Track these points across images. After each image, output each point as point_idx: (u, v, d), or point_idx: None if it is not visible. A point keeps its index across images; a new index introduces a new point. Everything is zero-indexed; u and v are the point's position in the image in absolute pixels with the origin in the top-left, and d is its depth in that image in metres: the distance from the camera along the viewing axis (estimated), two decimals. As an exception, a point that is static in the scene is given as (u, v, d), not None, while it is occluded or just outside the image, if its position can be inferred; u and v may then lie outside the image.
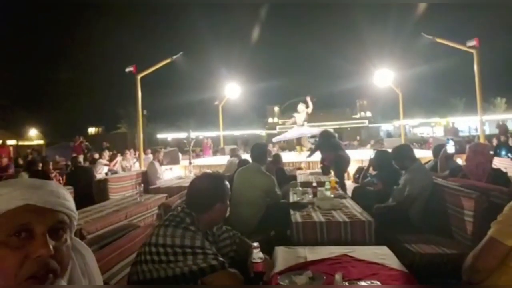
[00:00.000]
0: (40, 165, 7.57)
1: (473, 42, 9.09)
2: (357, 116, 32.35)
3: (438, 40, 9.84)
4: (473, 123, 26.84)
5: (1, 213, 0.76)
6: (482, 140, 9.24)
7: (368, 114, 32.75)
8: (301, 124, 11.61)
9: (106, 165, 9.96)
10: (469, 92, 10.64)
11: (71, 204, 0.86)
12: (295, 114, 11.83)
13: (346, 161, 6.31)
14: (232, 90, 15.42)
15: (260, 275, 1.73)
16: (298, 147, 11.79)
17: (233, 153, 8.20)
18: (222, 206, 1.83)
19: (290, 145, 23.09)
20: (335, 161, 6.11)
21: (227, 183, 1.92)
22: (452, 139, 5.73)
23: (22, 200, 0.77)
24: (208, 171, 7.70)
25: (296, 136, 11.87)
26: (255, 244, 1.77)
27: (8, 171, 9.60)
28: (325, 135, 6.94)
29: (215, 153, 16.15)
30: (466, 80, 10.94)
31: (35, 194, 0.79)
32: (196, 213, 1.74)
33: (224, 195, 1.85)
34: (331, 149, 6.42)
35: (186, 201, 1.86)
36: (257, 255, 1.74)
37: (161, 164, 7.60)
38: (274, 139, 14.09)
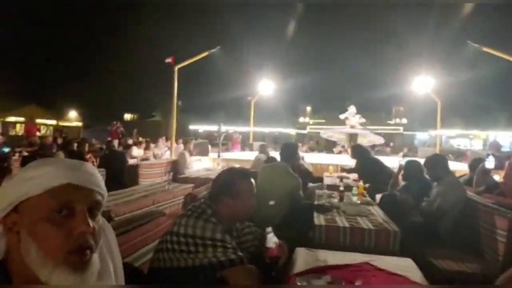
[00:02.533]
0: (75, 145, 7.88)
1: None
2: (392, 122, 31.55)
3: (486, 49, 9.40)
4: (516, 139, 25.50)
5: (45, 190, 0.78)
6: (523, 158, 8.76)
7: (404, 121, 31.88)
8: (353, 126, 11.46)
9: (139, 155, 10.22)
10: (514, 106, 10.11)
11: (104, 185, 0.90)
12: (348, 115, 11.64)
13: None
14: (266, 86, 15.40)
15: (275, 260, 1.73)
16: (336, 149, 11.57)
17: (262, 149, 8.19)
18: (231, 202, 1.75)
19: (319, 146, 22.85)
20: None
21: (247, 180, 1.84)
22: (492, 154, 5.48)
23: (65, 179, 0.80)
24: (236, 165, 7.75)
25: (346, 134, 11.64)
26: (269, 229, 1.75)
27: (52, 150, 10.06)
28: (361, 153, 6.05)
29: (243, 148, 16.22)
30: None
31: (76, 174, 0.82)
32: (214, 205, 1.76)
33: (232, 190, 1.77)
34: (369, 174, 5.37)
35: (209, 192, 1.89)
36: (271, 240, 1.74)
37: (191, 154, 7.74)
38: (323, 133, 13.85)
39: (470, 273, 2.67)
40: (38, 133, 15.80)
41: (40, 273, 0.75)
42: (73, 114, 30.38)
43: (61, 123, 27.13)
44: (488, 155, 4.78)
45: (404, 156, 11.46)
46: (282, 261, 1.83)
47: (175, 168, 7.10)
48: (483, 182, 4.38)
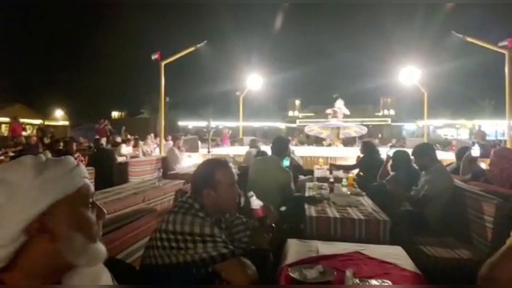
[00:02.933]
0: (62, 144, 7.77)
1: (505, 42, 8.74)
2: (380, 113, 31.82)
3: (469, 39, 9.51)
4: (501, 127, 25.95)
5: (77, 188, 0.87)
6: (509, 146, 8.93)
7: (392, 112, 32.18)
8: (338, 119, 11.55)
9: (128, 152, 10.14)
10: (498, 95, 10.27)
11: None
12: (335, 109, 11.73)
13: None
14: (254, 81, 15.38)
15: (262, 220, 1.87)
16: (336, 141, 11.69)
17: (253, 144, 8.21)
18: (213, 193, 1.73)
19: (310, 139, 22.95)
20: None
21: (225, 169, 1.82)
22: (477, 143, 5.57)
23: (84, 178, 0.90)
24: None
25: (332, 127, 11.75)
26: (250, 193, 1.84)
27: (38, 150, 9.91)
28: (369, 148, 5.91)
29: (233, 143, 16.21)
30: (496, 82, 10.56)
31: (85, 171, 0.92)
32: (196, 198, 1.74)
33: (212, 181, 1.75)
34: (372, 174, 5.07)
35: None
36: (255, 202, 1.86)
37: (181, 151, 7.70)
38: (307, 129, 13.96)
39: (459, 259, 2.72)
40: (24, 133, 15.52)
41: (79, 259, 0.84)
42: (59, 113, 29.95)
43: (48, 123, 26.74)
44: (473, 143, 4.87)
45: (391, 147, 11.57)
46: (270, 221, 1.93)
47: (165, 165, 7.06)
48: (470, 170, 4.46)
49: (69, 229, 0.83)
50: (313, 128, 12.96)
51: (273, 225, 1.98)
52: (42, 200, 0.80)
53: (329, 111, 11.85)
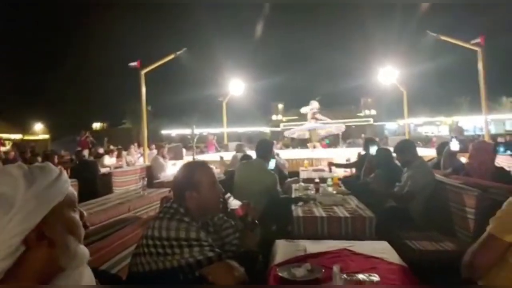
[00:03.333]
0: (39, 159, 7.61)
1: (477, 40, 9.02)
2: (362, 114, 32.27)
3: (443, 37, 9.77)
4: (479, 123, 26.66)
5: (66, 194, 0.90)
6: (486, 139, 9.18)
7: (373, 112, 32.69)
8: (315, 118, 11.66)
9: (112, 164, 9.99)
10: (474, 91, 10.58)
11: None
12: (307, 109, 11.83)
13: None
14: (236, 86, 15.41)
15: (244, 218, 1.90)
16: (310, 144, 11.78)
17: (239, 148, 8.21)
18: (195, 194, 1.73)
19: (294, 142, 23.07)
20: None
21: (205, 169, 1.82)
22: (456, 137, 5.70)
23: (68, 183, 0.93)
24: (213, 166, 7.71)
25: (310, 129, 11.85)
26: (227, 195, 1.87)
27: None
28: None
29: (218, 149, 16.17)
30: (471, 79, 10.87)
31: (67, 177, 0.95)
32: (180, 203, 1.73)
33: (194, 182, 1.74)
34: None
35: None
36: (233, 202, 1.89)
37: (165, 159, 7.64)
38: (287, 133, 14.09)
39: (443, 251, 2.78)
40: (2, 148, 15.14)
41: (71, 262, 0.87)
42: (39, 126, 29.32)
43: (27, 137, 26.13)
44: (452, 138, 4.98)
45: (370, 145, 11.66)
46: (251, 217, 1.95)
47: (150, 174, 6.99)
48: (450, 164, 4.56)
49: (64, 234, 0.87)
50: (294, 131, 13.13)
51: (256, 221, 1.99)
52: (39, 211, 0.82)
53: (306, 110, 11.98)
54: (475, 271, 1.53)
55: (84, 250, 0.92)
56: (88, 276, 0.96)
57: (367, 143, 5.79)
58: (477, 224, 2.78)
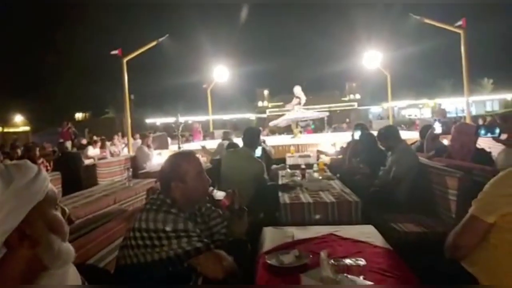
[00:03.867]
0: (19, 151, 7.43)
1: (460, 23, 9.10)
2: (346, 98, 32.45)
3: (426, 20, 9.82)
4: (460, 104, 27.15)
5: (46, 192, 0.88)
6: (468, 121, 9.36)
7: (358, 96, 32.88)
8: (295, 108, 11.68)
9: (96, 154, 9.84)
10: (456, 73, 10.72)
11: None
12: (297, 95, 11.81)
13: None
14: (220, 73, 15.26)
15: (231, 207, 1.92)
16: (295, 130, 11.82)
17: (225, 136, 8.18)
18: (181, 184, 1.71)
19: (280, 128, 23.12)
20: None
21: (191, 159, 1.81)
22: (439, 120, 5.79)
23: (48, 181, 0.91)
24: (198, 155, 7.66)
25: (293, 120, 11.89)
26: (210, 188, 1.86)
27: None
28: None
29: (204, 137, 16.09)
30: (454, 61, 11.00)
31: (47, 174, 0.93)
32: (165, 194, 1.72)
33: (180, 172, 1.73)
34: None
35: None
36: (217, 194, 1.90)
37: (150, 148, 7.56)
38: (271, 123, 14.13)
39: (427, 232, 2.85)
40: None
41: (55, 261, 0.86)
42: (19, 118, 28.60)
43: (7, 129, 25.49)
44: (435, 121, 5.05)
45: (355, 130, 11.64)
46: (237, 205, 1.96)
47: (135, 165, 6.91)
48: (433, 147, 4.64)
49: (46, 233, 0.85)
50: (278, 122, 13.23)
51: (243, 207, 2.00)
52: (19, 211, 0.81)
53: (294, 101, 12.01)
54: (458, 252, 1.56)
55: (68, 249, 0.90)
56: (73, 274, 0.95)
57: (358, 129, 5.52)
58: (460, 206, 2.84)
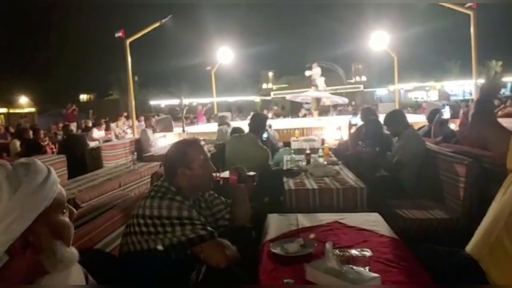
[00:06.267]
0: (31, 133, 7.46)
1: (470, 3, 8.85)
2: (352, 80, 32.06)
3: (436, 0, 9.57)
4: (468, 87, 26.74)
5: (54, 198, 0.84)
6: (476, 105, 9.20)
7: (364, 78, 32.45)
8: (320, 89, 11.36)
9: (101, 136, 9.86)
10: (464, 55, 10.47)
11: None
12: (313, 74, 11.46)
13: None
14: (225, 55, 15.05)
15: (242, 177, 1.93)
16: (315, 112, 11.56)
17: (222, 121, 8.16)
18: (188, 171, 1.71)
19: (285, 111, 22.98)
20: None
21: (197, 146, 1.81)
22: (447, 105, 5.69)
23: (58, 184, 0.87)
24: (202, 138, 7.64)
25: (314, 97, 11.56)
26: (216, 173, 1.86)
27: (7, 139, 9.49)
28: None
29: (209, 120, 16.04)
30: (462, 43, 10.75)
31: (56, 176, 0.89)
32: (171, 180, 1.71)
33: (186, 159, 1.73)
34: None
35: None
36: (222, 174, 1.91)
37: (154, 131, 7.55)
38: (289, 97, 13.80)
39: (433, 219, 2.82)
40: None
41: (58, 267, 0.83)
42: (24, 99, 28.65)
43: (12, 110, 25.59)
44: (443, 105, 4.97)
45: (354, 114, 11.21)
46: (244, 178, 1.96)
47: (139, 147, 6.92)
48: (441, 132, 4.58)
49: (50, 240, 0.82)
50: (298, 96, 12.81)
51: (251, 173, 2.02)
52: (24, 219, 0.77)
53: (309, 73, 11.59)
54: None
55: (72, 253, 0.87)
56: (76, 274, 0.92)
57: (366, 114, 5.25)
58: (467, 192, 2.81)
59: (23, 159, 0.87)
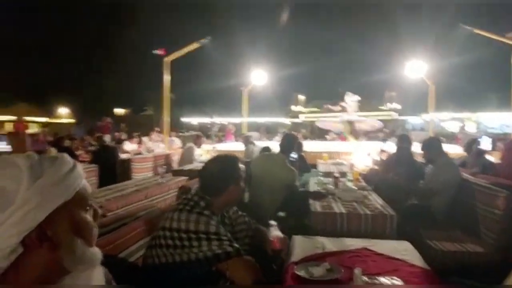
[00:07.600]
0: (67, 141, 7.76)
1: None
2: (385, 107, 31.58)
3: (476, 31, 9.37)
4: (507, 120, 25.63)
5: (76, 192, 0.81)
6: (515, 138, 8.81)
7: (396, 106, 31.92)
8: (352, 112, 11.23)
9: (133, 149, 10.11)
10: (504, 87, 10.11)
11: None
12: (344, 104, 11.40)
13: None
14: (259, 76, 15.28)
15: (278, 252, 1.80)
16: (349, 135, 11.40)
17: (247, 140, 8.22)
18: (236, 188, 1.77)
19: (314, 134, 22.81)
20: None
21: (240, 164, 1.86)
22: (486, 136, 5.47)
23: (82, 179, 0.84)
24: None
25: (346, 120, 11.41)
26: (273, 222, 1.83)
27: (45, 147, 9.92)
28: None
29: (237, 139, 16.16)
30: (502, 74, 10.40)
31: (82, 171, 0.86)
32: (210, 196, 1.71)
33: (237, 176, 1.78)
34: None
35: (200, 184, 1.82)
36: (274, 233, 1.81)
37: (199, 147, 7.65)
38: (319, 124, 13.66)
39: (466, 252, 2.68)
40: (28, 131, 15.61)
41: (77, 266, 0.79)
42: (64, 110, 30.05)
43: (52, 120, 26.85)
44: (482, 136, 4.78)
45: (384, 140, 10.85)
46: (283, 254, 1.86)
47: (168, 162, 7.03)
48: (478, 163, 4.38)
49: (69, 236, 0.78)
50: (325, 122, 12.61)
51: (282, 256, 1.91)
52: (42, 209, 0.73)
53: (336, 107, 11.56)
54: None
55: (94, 253, 0.83)
56: (98, 278, 0.87)
57: (402, 142, 4.87)
58: (503, 226, 2.67)
59: (53, 153, 0.87)
